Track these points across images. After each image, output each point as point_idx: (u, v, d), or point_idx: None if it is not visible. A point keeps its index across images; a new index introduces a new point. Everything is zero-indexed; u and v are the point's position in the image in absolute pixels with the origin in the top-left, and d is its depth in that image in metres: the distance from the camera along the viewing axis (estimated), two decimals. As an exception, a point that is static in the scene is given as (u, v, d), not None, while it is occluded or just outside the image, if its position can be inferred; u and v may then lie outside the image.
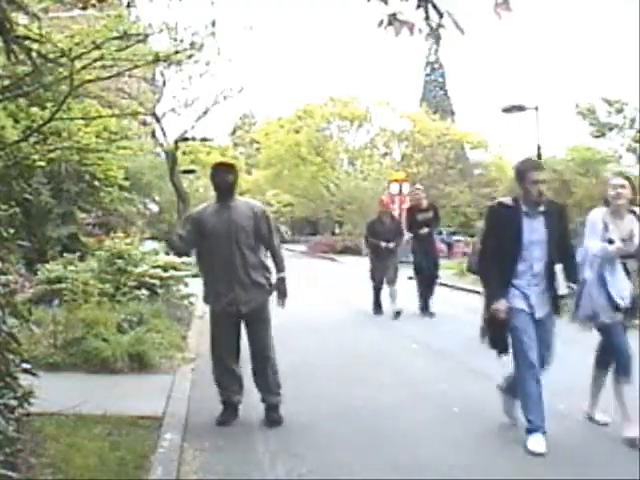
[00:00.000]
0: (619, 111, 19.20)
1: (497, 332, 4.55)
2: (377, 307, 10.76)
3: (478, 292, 14.08)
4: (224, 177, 4.94)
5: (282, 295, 4.97)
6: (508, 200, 4.60)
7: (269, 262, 5.06)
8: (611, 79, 47.65)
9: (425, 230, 10.70)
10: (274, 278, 5.01)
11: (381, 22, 2.43)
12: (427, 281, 10.74)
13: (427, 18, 2.41)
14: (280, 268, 4.97)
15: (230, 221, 4.84)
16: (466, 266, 9.46)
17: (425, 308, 10.67)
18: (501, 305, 4.38)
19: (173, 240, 5.15)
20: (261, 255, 4.98)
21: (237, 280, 4.82)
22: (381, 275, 10.66)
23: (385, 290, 10.70)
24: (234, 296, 4.83)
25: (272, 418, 4.84)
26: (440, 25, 2.41)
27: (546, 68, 68.63)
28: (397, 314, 10.17)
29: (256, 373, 4.97)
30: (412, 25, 2.42)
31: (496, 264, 4.44)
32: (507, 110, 17.23)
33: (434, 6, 2.40)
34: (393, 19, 2.42)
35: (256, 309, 4.90)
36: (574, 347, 5.52)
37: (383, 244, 10.52)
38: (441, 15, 2.40)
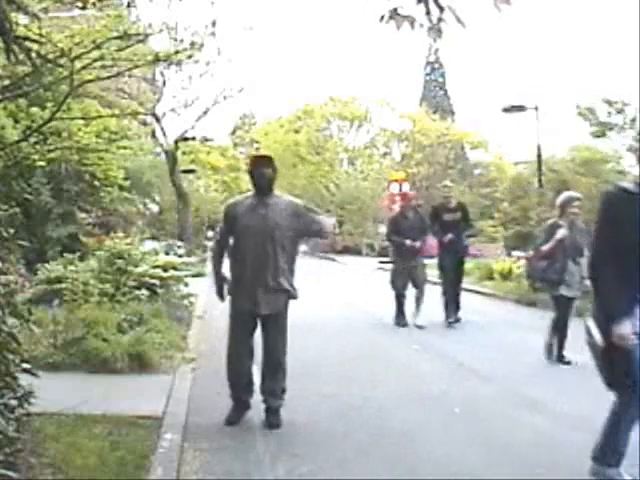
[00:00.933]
0: (619, 111, 19.20)
1: (616, 365, 3.40)
2: (400, 318, 9.54)
3: (479, 292, 14.17)
4: (262, 171, 4.74)
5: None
6: (631, 185, 3.54)
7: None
8: (612, 79, 47.63)
9: (450, 237, 9.59)
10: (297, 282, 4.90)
11: (382, 17, 2.45)
12: (451, 287, 9.79)
13: (428, 13, 2.42)
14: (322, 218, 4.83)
15: (266, 219, 4.67)
16: (526, 275, 8.02)
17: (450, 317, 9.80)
18: (625, 329, 3.29)
19: (214, 251, 5.04)
20: (293, 256, 4.84)
21: (263, 280, 4.68)
22: (404, 280, 9.53)
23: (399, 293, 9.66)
24: (256, 296, 4.70)
25: (271, 421, 4.76)
26: (441, 19, 2.42)
27: (546, 68, 68.61)
28: (419, 327, 9.20)
29: (265, 376, 4.87)
30: (413, 20, 2.43)
31: (616, 271, 3.33)
32: (507, 110, 17.22)
33: (435, 1, 2.41)
34: (394, 14, 2.43)
35: (275, 313, 4.79)
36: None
37: (408, 242, 9.36)
38: (442, 9, 2.41)
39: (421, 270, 9.56)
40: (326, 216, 4.90)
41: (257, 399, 4.98)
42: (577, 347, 6.10)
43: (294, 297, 4.86)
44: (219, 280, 4.92)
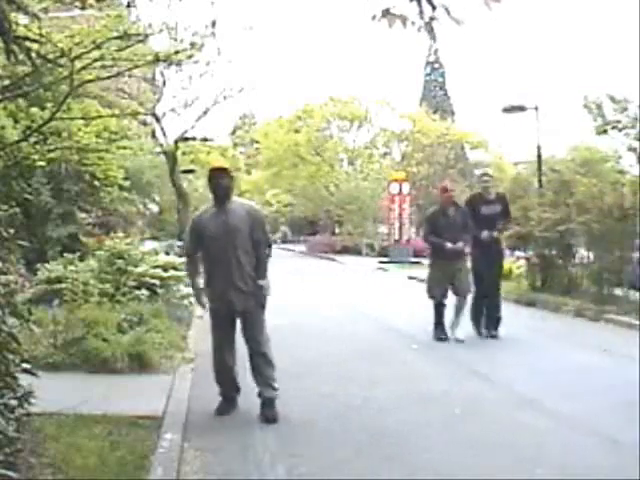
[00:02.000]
0: (623, 109, 19.16)
1: None
2: (439, 331, 8.29)
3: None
4: (219, 181, 5.06)
5: (260, 303, 5.08)
6: None
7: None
8: (614, 77, 47.65)
9: (488, 234, 8.33)
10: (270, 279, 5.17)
11: (374, 16, 2.48)
12: (489, 297, 8.54)
13: (420, 12, 2.45)
14: (260, 275, 5.05)
15: (226, 224, 4.98)
16: (628, 282, 6.74)
17: (478, 327, 8.63)
18: None
19: (188, 266, 5.58)
20: (260, 257, 5.11)
21: (231, 282, 4.98)
22: (444, 287, 8.30)
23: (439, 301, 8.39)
24: (229, 297, 5.00)
25: (267, 414, 4.91)
26: (433, 18, 2.45)
27: (547, 67, 68.71)
28: (459, 341, 8.12)
29: (253, 369, 5.12)
30: (405, 18, 2.46)
31: None
32: (507, 110, 17.23)
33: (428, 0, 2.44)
34: (386, 13, 2.46)
35: (249, 310, 5.06)
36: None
37: (449, 245, 8.10)
38: (434, 8, 2.44)
39: (465, 275, 8.34)
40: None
41: (256, 400, 4.99)
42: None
43: (267, 294, 5.10)
44: (196, 290, 5.37)
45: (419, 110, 39.51)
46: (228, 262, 4.96)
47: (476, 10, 2.42)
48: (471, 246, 8.35)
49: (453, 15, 2.45)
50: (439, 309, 8.34)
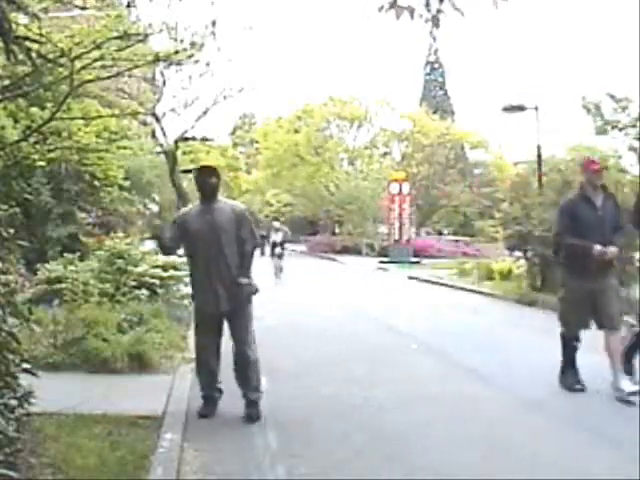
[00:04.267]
0: (624, 109, 19.14)
1: None
2: (569, 374, 5.78)
3: (479, 292, 14.17)
4: (207, 180, 5.05)
5: (247, 302, 5.03)
6: None
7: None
8: (614, 77, 47.66)
9: None
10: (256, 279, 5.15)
11: (382, 7, 2.49)
12: None
13: (427, 5, 2.47)
14: (243, 273, 4.97)
15: (213, 222, 4.97)
16: None
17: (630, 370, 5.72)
18: None
19: (162, 240, 5.37)
20: (245, 255, 5.07)
21: (219, 279, 4.94)
22: (585, 314, 5.64)
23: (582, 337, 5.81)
24: (216, 295, 4.95)
25: (250, 414, 4.93)
26: (440, 10, 2.47)
27: (546, 67, 68.80)
28: (632, 394, 5.30)
29: (237, 370, 5.07)
30: (412, 10, 2.48)
31: None
32: (507, 110, 17.23)
33: None
34: (394, 4, 2.48)
35: (237, 308, 5.00)
36: None
37: (597, 248, 5.44)
38: (441, 0, 2.46)
39: (614, 296, 5.63)
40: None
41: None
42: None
43: (253, 292, 5.07)
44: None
45: (419, 110, 39.55)
46: (214, 261, 4.94)
47: (482, 10, 2.44)
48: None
49: (458, 7, 2.48)
50: (569, 344, 5.80)
